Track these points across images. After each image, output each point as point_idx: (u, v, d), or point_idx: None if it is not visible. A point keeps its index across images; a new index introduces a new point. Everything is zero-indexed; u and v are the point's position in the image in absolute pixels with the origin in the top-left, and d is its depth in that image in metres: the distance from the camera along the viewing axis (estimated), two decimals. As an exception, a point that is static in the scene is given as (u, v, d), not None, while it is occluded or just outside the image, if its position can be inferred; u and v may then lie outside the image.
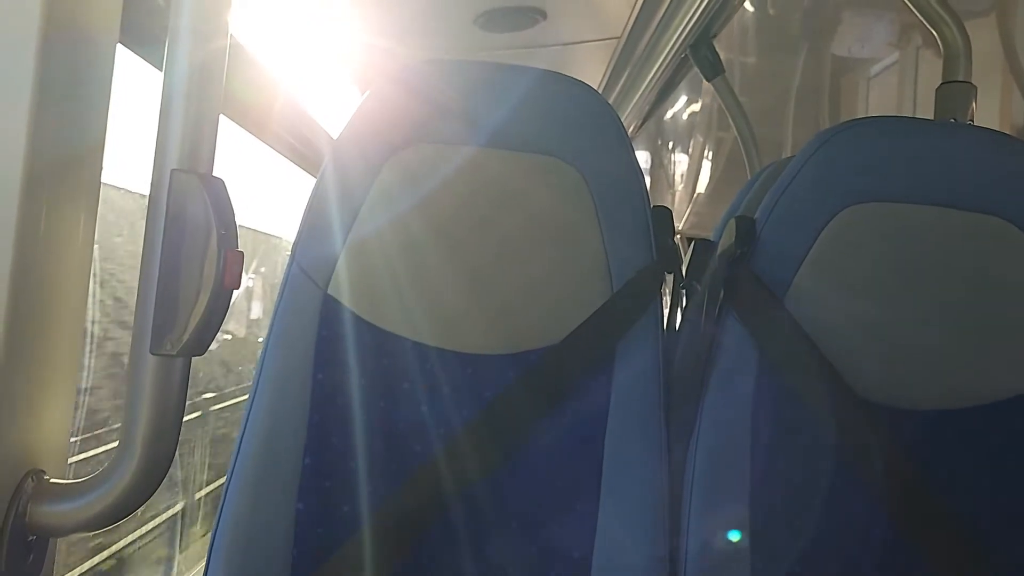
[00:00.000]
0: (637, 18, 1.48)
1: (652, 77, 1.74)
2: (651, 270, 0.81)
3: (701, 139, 2.36)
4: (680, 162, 2.75)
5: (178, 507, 3.35)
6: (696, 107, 2.07)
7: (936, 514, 0.78)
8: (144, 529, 3.08)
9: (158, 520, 3.19)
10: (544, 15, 1.47)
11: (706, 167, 2.57)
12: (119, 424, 0.59)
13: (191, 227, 0.56)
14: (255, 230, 3.97)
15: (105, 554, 2.78)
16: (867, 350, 0.80)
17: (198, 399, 3.60)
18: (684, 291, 1.02)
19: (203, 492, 3.54)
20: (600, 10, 1.50)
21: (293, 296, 0.79)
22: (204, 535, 3.41)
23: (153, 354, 0.57)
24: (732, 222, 0.82)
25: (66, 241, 0.60)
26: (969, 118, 1.02)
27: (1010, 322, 0.81)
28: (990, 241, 0.81)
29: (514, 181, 0.82)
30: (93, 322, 2.41)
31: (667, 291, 0.94)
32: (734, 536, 0.76)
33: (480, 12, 1.45)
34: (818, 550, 0.77)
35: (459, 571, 0.78)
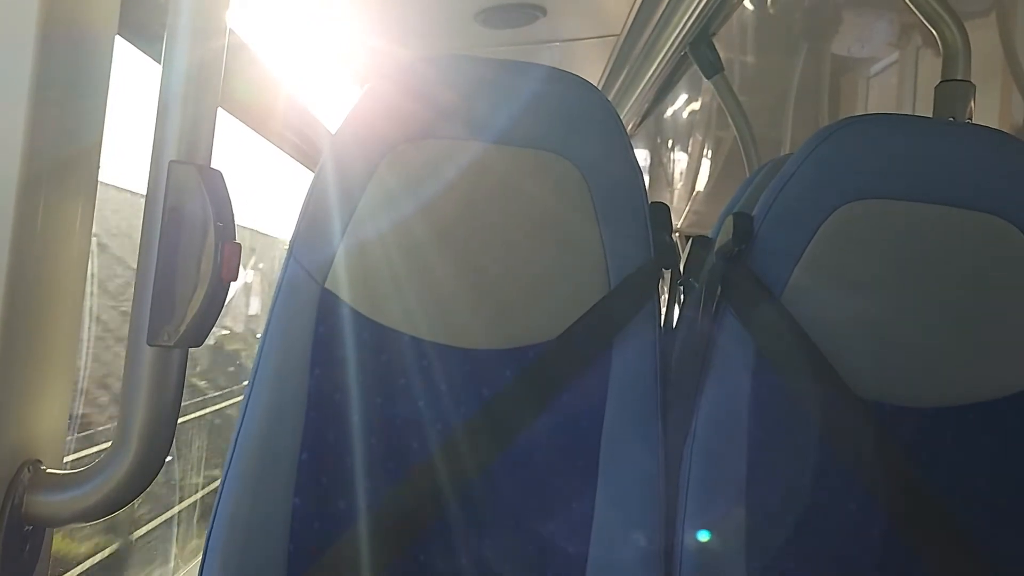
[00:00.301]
0: (637, 15, 1.48)
1: (651, 75, 1.74)
2: (649, 267, 0.81)
3: (700, 138, 2.36)
4: (679, 160, 2.75)
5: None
6: (695, 105, 2.07)
7: (932, 511, 0.78)
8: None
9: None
10: (544, 11, 1.47)
11: (705, 166, 2.57)
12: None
13: (189, 219, 0.56)
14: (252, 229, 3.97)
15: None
16: (864, 347, 0.80)
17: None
18: (682, 288, 1.02)
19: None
20: (600, 7, 1.50)
21: (290, 291, 0.79)
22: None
23: (150, 345, 0.57)
24: (730, 219, 0.82)
25: (64, 233, 0.60)
26: (968, 117, 1.02)
27: (1006, 319, 0.81)
28: (989, 240, 0.81)
29: (513, 177, 0.82)
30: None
31: (665, 288, 0.94)
32: (729, 532, 0.76)
33: (481, 8, 1.45)
34: (813, 547, 0.77)
35: (455, 566, 0.78)
